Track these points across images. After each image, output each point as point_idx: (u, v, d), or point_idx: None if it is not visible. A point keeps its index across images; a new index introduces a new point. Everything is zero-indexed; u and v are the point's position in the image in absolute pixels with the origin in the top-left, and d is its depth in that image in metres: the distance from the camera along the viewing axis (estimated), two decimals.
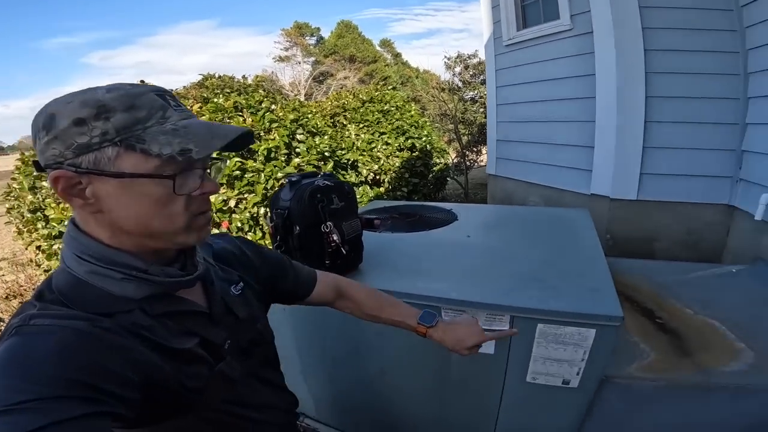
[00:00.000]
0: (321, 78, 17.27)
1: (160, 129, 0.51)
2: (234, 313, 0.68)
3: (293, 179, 1.32)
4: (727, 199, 2.39)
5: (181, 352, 0.57)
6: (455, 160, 7.98)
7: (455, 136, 7.79)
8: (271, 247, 1.17)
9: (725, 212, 2.42)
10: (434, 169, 5.79)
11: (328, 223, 1.27)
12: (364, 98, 4.66)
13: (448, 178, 7.18)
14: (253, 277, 0.78)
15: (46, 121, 0.49)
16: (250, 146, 2.94)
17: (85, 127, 0.48)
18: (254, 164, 2.79)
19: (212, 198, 2.67)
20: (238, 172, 2.71)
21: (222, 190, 2.70)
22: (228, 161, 2.73)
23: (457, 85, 8.68)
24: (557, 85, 2.98)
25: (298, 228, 1.26)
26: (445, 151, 6.69)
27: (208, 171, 0.58)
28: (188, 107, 2.91)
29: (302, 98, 15.11)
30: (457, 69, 9.02)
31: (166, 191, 0.53)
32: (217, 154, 0.64)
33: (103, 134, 0.48)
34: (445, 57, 8.73)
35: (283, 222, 1.27)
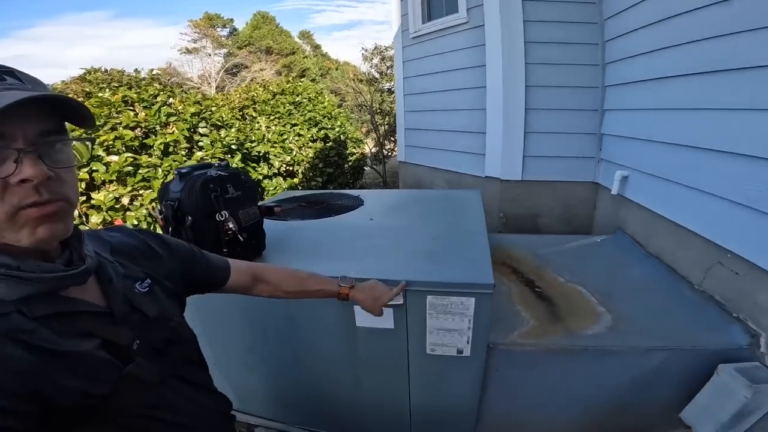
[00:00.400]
0: (235, 70, 16.34)
1: None
2: (141, 311, 0.63)
3: (183, 171, 1.30)
4: (592, 177, 2.81)
5: (76, 355, 0.52)
6: (374, 150, 8.16)
7: (372, 127, 7.94)
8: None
9: (592, 189, 2.84)
10: (350, 159, 5.90)
11: (224, 212, 1.28)
12: (275, 90, 4.57)
13: (366, 168, 7.34)
14: (162, 271, 0.73)
15: None
16: (144, 141, 2.74)
17: None
18: (149, 159, 2.61)
19: (101, 196, 2.46)
20: (130, 168, 2.52)
21: (113, 187, 2.49)
22: (117, 157, 2.52)
23: (374, 77, 8.84)
24: (455, 76, 3.22)
25: (189, 219, 1.24)
26: (361, 141, 6.82)
27: (37, 154, 0.48)
28: None
29: (213, 91, 14.15)
30: (375, 60, 9.17)
31: None
32: (81, 133, 0.57)
33: None
34: (363, 49, 8.84)
35: (173, 213, 1.25)
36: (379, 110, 8.15)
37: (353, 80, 9.40)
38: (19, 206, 0.47)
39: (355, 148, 6.21)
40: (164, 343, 0.65)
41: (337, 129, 4.85)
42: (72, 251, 0.58)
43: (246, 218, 1.36)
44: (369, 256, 1.45)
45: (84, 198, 2.50)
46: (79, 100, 2.67)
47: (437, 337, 1.27)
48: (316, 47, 22.76)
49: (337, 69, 17.81)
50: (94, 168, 2.48)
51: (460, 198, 2.24)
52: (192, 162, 2.92)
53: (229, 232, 1.28)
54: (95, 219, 2.45)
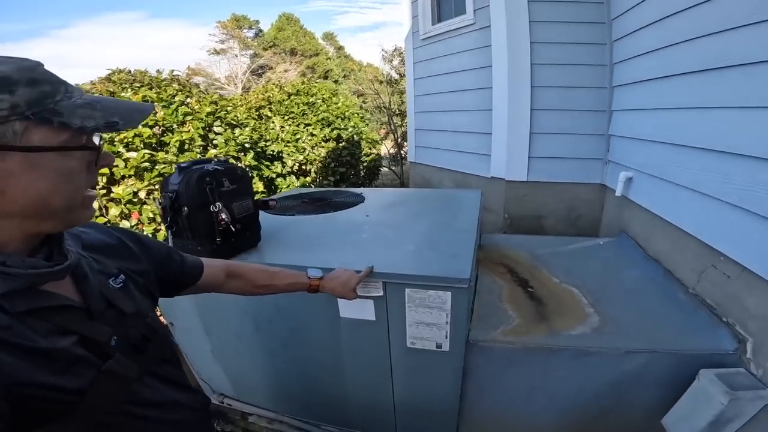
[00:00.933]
0: (260, 71, 16.79)
1: (72, 103, 0.49)
2: (117, 307, 0.63)
3: (182, 165, 1.38)
4: (600, 178, 2.78)
5: (53, 352, 0.51)
6: (392, 151, 8.23)
7: (390, 128, 8.01)
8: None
9: (599, 190, 2.80)
10: (365, 159, 5.97)
11: (217, 204, 1.36)
12: (290, 91, 4.69)
13: (384, 168, 7.40)
14: (136, 268, 0.73)
15: None
16: (162, 139, 2.89)
17: None
18: (165, 156, 2.75)
19: (120, 190, 2.61)
20: (147, 164, 2.66)
21: (131, 182, 2.64)
22: (136, 153, 2.68)
23: (393, 78, 8.92)
24: (463, 77, 3.24)
25: (186, 209, 1.33)
26: (377, 141, 6.89)
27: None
28: None
29: (239, 91, 14.56)
30: (394, 62, 9.26)
31: (75, 164, 0.51)
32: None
33: (13, 108, 0.45)
34: (382, 50, 8.94)
35: (171, 204, 1.33)
36: (398, 112, 8.22)
37: (372, 81, 9.50)
38: (90, 187, 0.55)
39: (370, 148, 6.29)
40: (141, 340, 0.65)
41: (350, 129, 4.93)
42: (53, 246, 0.58)
43: (239, 210, 1.43)
44: (355, 249, 1.50)
45: (104, 191, 2.66)
46: None
47: (417, 330, 1.31)
48: (339, 48, 23.07)
49: (359, 70, 18.00)
50: (114, 163, 2.63)
51: (458, 197, 2.27)
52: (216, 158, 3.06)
53: (222, 223, 1.36)
54: (114, 211, 2.60)
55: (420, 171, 4.11)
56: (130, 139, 2.71)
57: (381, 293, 1.29)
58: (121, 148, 2.68)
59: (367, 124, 7.05)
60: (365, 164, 5.88)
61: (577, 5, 2.56)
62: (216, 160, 1.50)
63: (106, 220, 2.59)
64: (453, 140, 3.50)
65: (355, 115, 5.35)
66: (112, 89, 2.96)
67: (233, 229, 1.38)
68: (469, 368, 1.39)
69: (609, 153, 2.69)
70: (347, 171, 4.81)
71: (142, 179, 2.67)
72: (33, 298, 0.52)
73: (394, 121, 7.77)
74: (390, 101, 7.90)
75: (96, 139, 0.54)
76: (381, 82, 9.06)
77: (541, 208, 2.92)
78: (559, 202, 2.89)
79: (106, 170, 2.62)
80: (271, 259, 1.46)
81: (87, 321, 0.57)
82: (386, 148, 8.29)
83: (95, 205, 0.49)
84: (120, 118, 0.52)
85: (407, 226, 1.75)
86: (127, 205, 2.62)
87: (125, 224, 2.62)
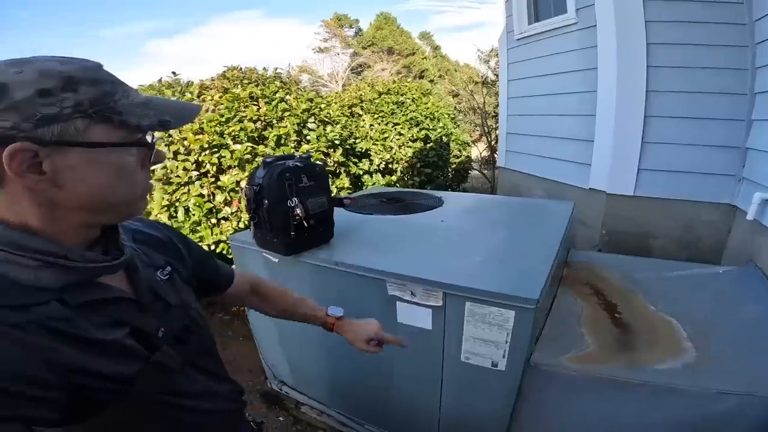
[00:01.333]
0: (359, 69, 17.50)
1: (130, 102, 0.52)
2: (164, 299, 0.65)
3: (267, 160, 1.48)
4: (729, 198, 2.32)
5: (108, 344, 0.53)
6: (485, 154, 7.94)
7: (484, 130, 7.73)
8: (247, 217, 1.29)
9: (727, 211, 2.34)
10: (454, 161, 5.83)
11: (294, 199, 1.43)
12: (381, 90, 4.78)
13: (474, 171, 7.17)
14: (181, 263, 0.75)
15: None
16: (263, 133, 3.16)
17: (53, 98, 0.45)
18: (264, 149, 3.00)
19: (225, 179, 2.92)
20: (248, 156, 2.93)
21: (234, 172, 2.93)
22: (240, 146, 2.97)
23: (489, 79, 8.58)
24: (561, 79, 2.96)
25: (266, 202, 1.42)
26: (467, 143, 6.69)
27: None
28: (210, 97, 3.16)
29: (339, 89, 15.37)
30: (491, 62, 8.90)
31: (132, 159, 0.54)
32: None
33: (77, 105, 0.47)
34: (478, 50, 8.66)
35: (255, 196, 1.44)
36: (494, 114, 7.90)
37: (467, 82, 9.25)
38: (147, 183, 0.58)
39: (460, 150, 6.13)
40: (184, 331, 0.66)
41: (438, 130, 4.85)
42: (109, 240, 0.60)
43: (314, 206, 1.49)
44: (420, 254, 1.46)
45: (213, 179, 3.01)
46: (219, 94, 3.22)
47: (473, 346, 1.22)
48: (436, 48, 22.90)
49: (455, 71, 17.69)
50: (222, 154, 2.96)
51: (545, 208, 2.08)
52: (299, 154, 3.26)
53: (297, 217, 1.43)
54: (219, 198, 2.92)
55: (509, 177, 3.88)
56: (236, 132, 3.01)
57: (440, 303, 1.23)
58: (229, 140, 3.00)
59: (458, 126, 6.88)
60: (453, 166, 5.75)
61: (710, 6, 2.17)
62: (298, 156, 1.58)
63: (212, 205, 2.92)
64: (547, 146, 3.23)
65: (445, 115, 5.25)
66: (226, 85, 3.31)
67: (306, 224, 1.44)
68: (525, 391, 1.27)
69: (744, 169, 2.23)
70: (433, 172, 4.75)
71: (243, 170, 2.95)
72: (91, 290, 0.54)
73: (489, 123, 7.47)
74: (484, 103, 7.60)
75: (149, 137, 0.56)
76: (476, 83, 8.77)
77: (649, 226, 2.54)
78: (672, 222, 2.48)
79: (215, 160, 2.96)
80: (340, 255, 1.49)
81: (137, 313, 0.59)
82: (478, 150, 8.01)
83: (149, 198, 0.54)
84: (171, 117, 0.54)
85: (481, 235, 1.66)
86: (230, 193, 2.92)
87: (226, 210, 2.92)
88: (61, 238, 0.52)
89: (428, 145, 4.64)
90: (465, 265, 1.33)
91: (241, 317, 3.06)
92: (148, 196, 0.60)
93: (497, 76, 8.58)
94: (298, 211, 1.42)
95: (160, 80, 3.57)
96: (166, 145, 2.92)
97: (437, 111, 5.02)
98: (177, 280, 0.70)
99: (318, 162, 1.93)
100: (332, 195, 1.63)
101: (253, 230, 1.55)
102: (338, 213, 1.66)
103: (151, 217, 2.78)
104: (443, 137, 4.93)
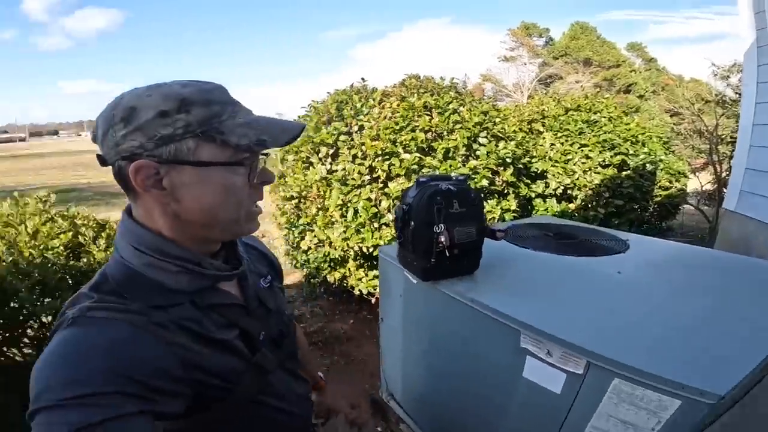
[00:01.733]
0: (548, 80, 16.27)
1: (234, 122, 0.54)
2: (265, 305, 0.70)
3: (421, 180, 1.44)
4: None
5: (224, 343, 0.59)
6: (707, 187, 6.30)
7: (711, 159, 6.09)
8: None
9: None
10: (660, 192, 4.73)
11: (441, 225, 1.35)
12: (569, 106, 4.22)
13: (689, 206, 5.73)
14: (275, 274, 0.82)
15: (126, 114, 0.49)
16: (432, 144, 3.19)
17: (169, 119, 0.49)
18: (431, 161, 3.02)
19: (392, 186, 3.07)
20: (415, 167, 3.00)
21: (400, 181, 3.06)
22: (410, 156, 3.07)
23: (725, 99, 6.74)
24: None
25: (413, 224, 1.38)
26: (683, 174, 5.35)
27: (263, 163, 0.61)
28: (389, 104, 3.36)
29: (524, 100, 14.62)
30: (733, 78, 6.96)
31: (239, 179, 0.56)
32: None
33: (187, 126, 0.50)
34: (712, 65, 6.89)
35: (402, 216, 1.42)
36: (730, 140, 6.15)
37: (693, 100, 7.43)
38: (255, 201, 0.61)
39: (671, 181, 4.94)
40: (278, 335, 0.71)
41: (642, 156, 3.99)
42: (228, 251, 0.66)
43: (460, 236, 1.37)
44: (572, 309, 1.18)
45: (382, 185, 3.20)
46: (396, 102, 3.42)
47: (605, 423, 0.91)
48: (650, 61, 19.31)
49: (678, 86, 14.52)
50: (392, 162, 3.12)
51: None
52: (466, 169, 3.17)
53: (440, 245, 1.34)
54: (384, 204, 3.09)
55: (739, 225, 2.88)
56: (407, 142, 3.13)
57: (580, 372, 0.95)
58: (400, 149, 3.14)
59: (673, 151, 5.55)
60: (658, 199, 4.67)
61: None
62: (455, 178, 1.48)
63: (377, 210, 3.10)
64: None
65: (654, 139, 4.28)
66: (404, 93, 3.46)
67: (447, 253, 1.34)
68: None
69: None
70: (626, 204, 3.95)
71: (409, 179, 3.04)
72: (215, 294, 0.60)
73: (720, 150, 5.80)
74: (717, 125, 5.92)
75: (257, 157, 0.58)
76: (707, 102, 6.93)
77: None
78: None
79: (386, 167, 3.14)
80: (477, 292, 1.33)
81: (245, 317, 0.65)
82: (699, 182, 6.35)
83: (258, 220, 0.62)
84: (269, 136, 0.55)
85: (667, 300, 1.22)
86: (395, 200, 3.06)
87: (388, 217, 3.07)
88: (188, 246, 0.57)
89: (624, 173, 3.88)
90: (627, 333, 1.01)
91: None
92: (257, 219, 0.63)
93: (739, 95, 6.60)
94: (443, 238, 1.33)
95: (351, 85, 3.94)
96: (348, 148, 3.23)
97: (643, 133, 4.14)
98: (275, 287, 0.77)
99: (474, 188, 1.79)
100: (485, 224, 1.47)
101: (398, 248, 1.53)
102: (492, 241, 1.50)
103: (327, 213, 3.15)
104: (647, 164, 4.04)
